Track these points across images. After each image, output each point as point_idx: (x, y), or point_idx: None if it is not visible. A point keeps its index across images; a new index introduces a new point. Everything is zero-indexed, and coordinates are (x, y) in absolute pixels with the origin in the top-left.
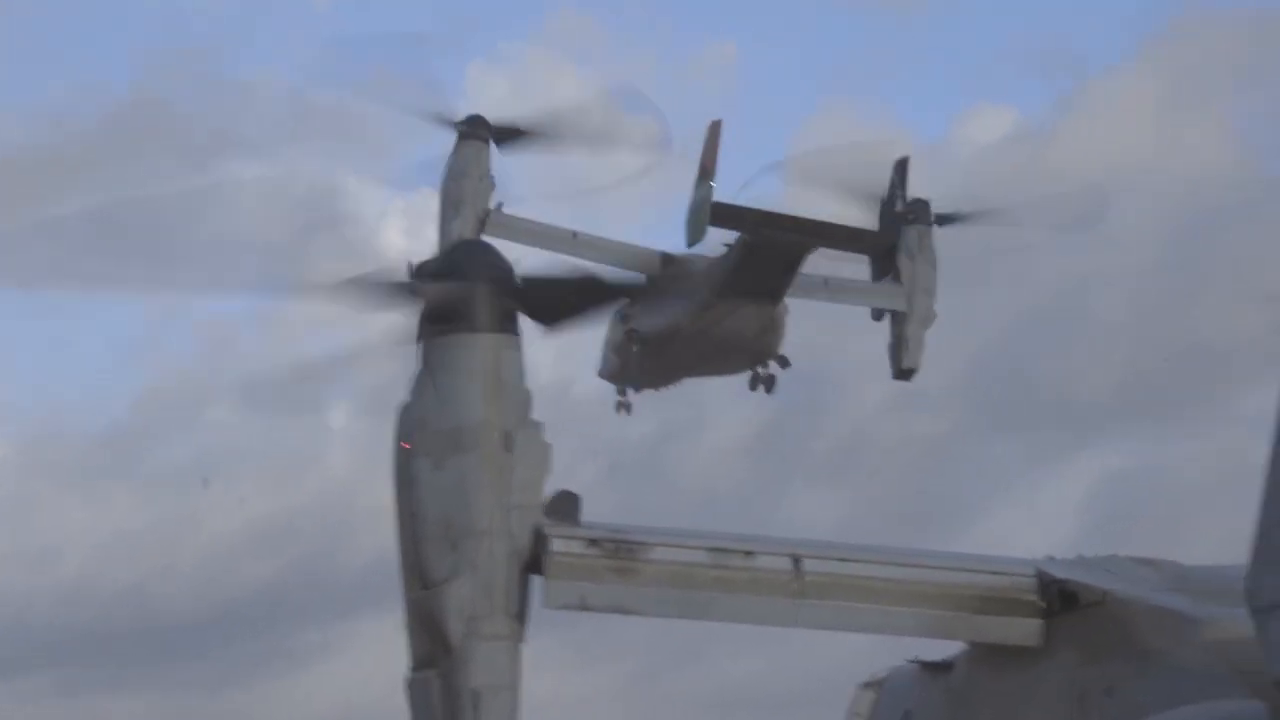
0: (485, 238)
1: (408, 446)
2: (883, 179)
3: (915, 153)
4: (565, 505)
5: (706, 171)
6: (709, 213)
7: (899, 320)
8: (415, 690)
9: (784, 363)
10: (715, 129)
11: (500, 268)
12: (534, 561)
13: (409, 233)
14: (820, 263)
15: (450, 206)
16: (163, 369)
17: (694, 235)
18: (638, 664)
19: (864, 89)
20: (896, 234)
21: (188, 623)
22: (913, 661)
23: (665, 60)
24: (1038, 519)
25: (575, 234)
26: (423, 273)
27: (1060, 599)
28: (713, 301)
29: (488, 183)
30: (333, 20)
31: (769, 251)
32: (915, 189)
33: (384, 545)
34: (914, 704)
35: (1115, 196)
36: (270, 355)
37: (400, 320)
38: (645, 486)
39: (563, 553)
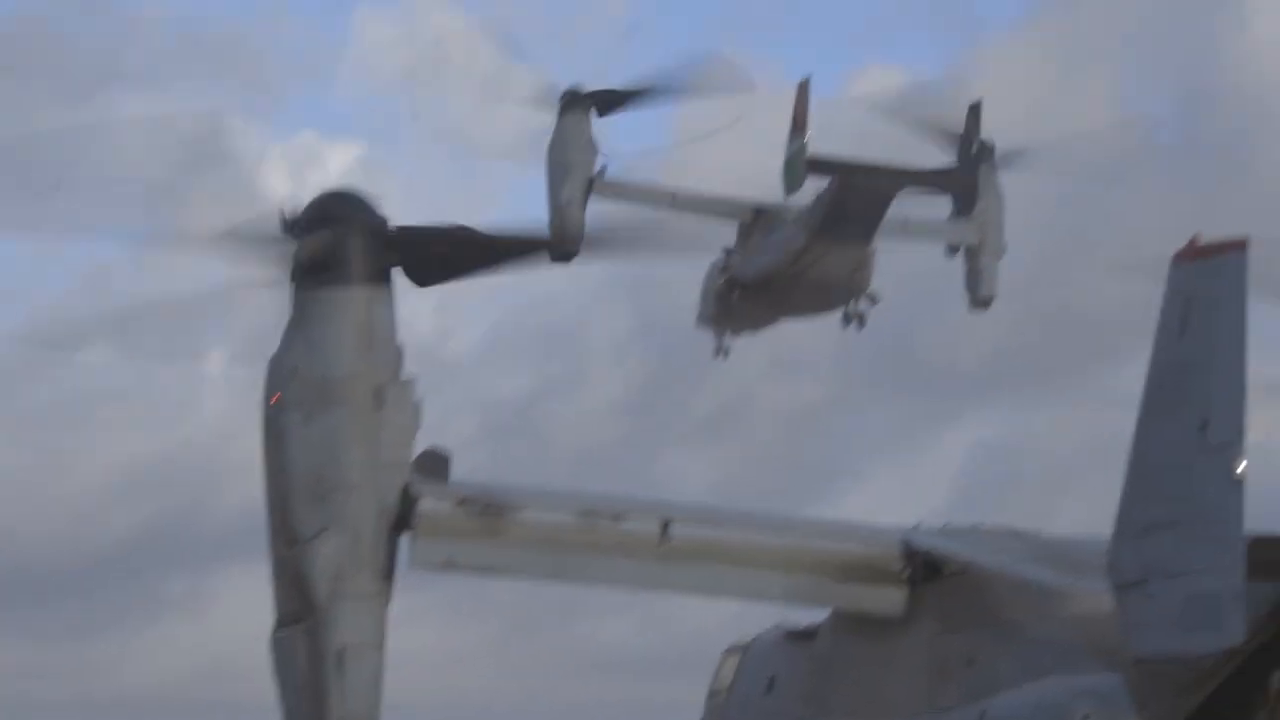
0: (595, 199)
1: (277, 399)
2: (954, 120)
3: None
4: (434, 463)
5: (799, 126)
6: (805, 164)
7: (972, 254)
8: (280, 647)
9: (873, 299)
10: (804, 88)
11: (372, 219)
12: (402, 520)
13: (293, 175)
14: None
15: (558, 175)
16: (38, 309)
17: (791, 185)
18: (508, 623)
19: (752, 41)
20: (976, 174)
21: (56, 568)
22: (778, 627)
23: (555, 11)
24: (913, 487)
25: (674, 194)
26: (295, 222)
27: (924, 568)
28: (809, 244)
29: (591, 150)
30: None
31: (861, 195)
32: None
33: (255, 496)
34: (778, 670)
35: (1002, 160)
36: (148, 297)
37: (274, 268)
38: (520, 445)
39: (431, 512)
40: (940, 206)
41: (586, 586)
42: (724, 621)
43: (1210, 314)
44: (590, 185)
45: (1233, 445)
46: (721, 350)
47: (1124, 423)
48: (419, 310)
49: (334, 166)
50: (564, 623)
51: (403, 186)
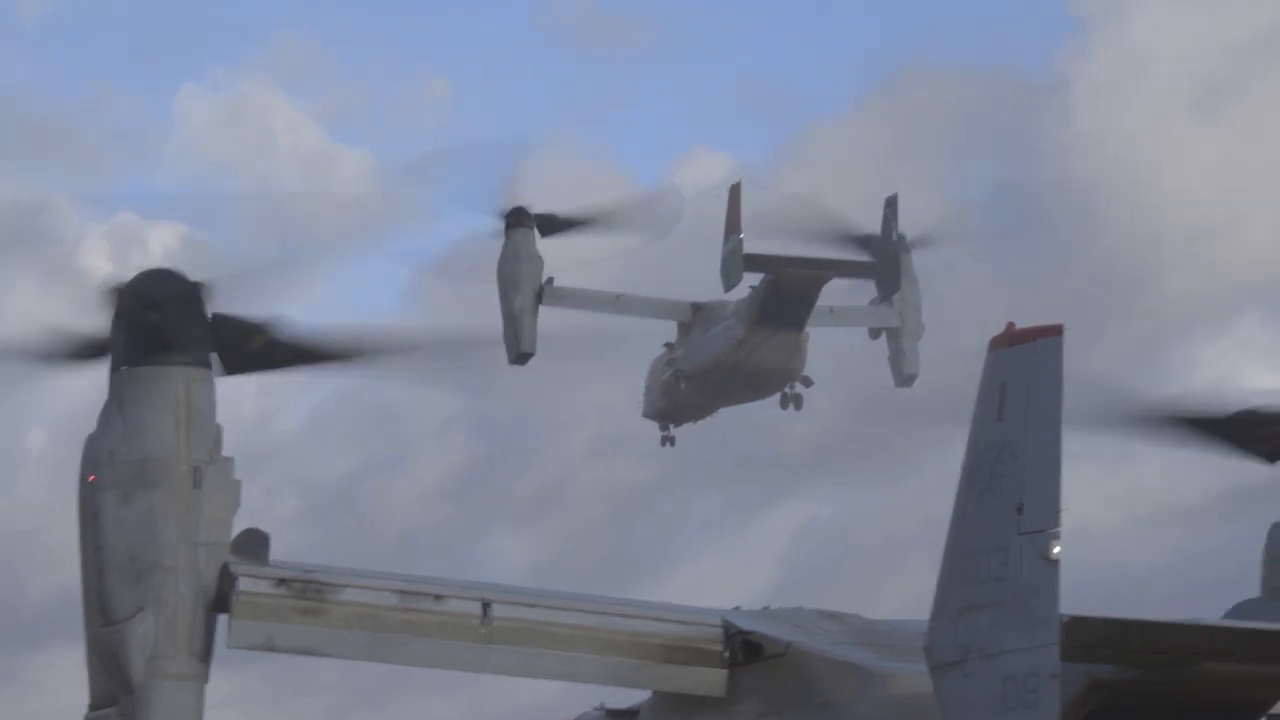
0: (544, 307)
1: (94, 479)
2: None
3: (634, 196)
4: (253, 544)
5: (733, 228)
6: (741, 261)
7: (894, 336)
8: None
9: (807, 382)
10: (735, 191)
11: (193, 300)
12: (220, 600)
13: (115, 256)
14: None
15: (509, 287)
16: None
17: (730, 281)
18: (329, 703)
19: (585, 126)
20: (897, 261)
21: None
22: (598, 709)
23: (381, 92)
24: (738, 569)
25: (619, 296)
26: (118, 299)
27: (745, 650)
28: (748, 334)
29: (537, 262)
30: (44, 36)
31: (793, 287)
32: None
33: (73, 576)
34: None
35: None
36: None
37: (92, 348)
38: (344, 525)
39: (250, 592)
40: (864, 293)
41: (407, 667)
42: (545, 702)
43: (1026, 398)
44: (539, 294)
45: (1048, 527)
46: (667, 439)
47: (947, 504)
48: (242, 390)
49: (155, 247)
50: (384, 703)
51: (226, 269)
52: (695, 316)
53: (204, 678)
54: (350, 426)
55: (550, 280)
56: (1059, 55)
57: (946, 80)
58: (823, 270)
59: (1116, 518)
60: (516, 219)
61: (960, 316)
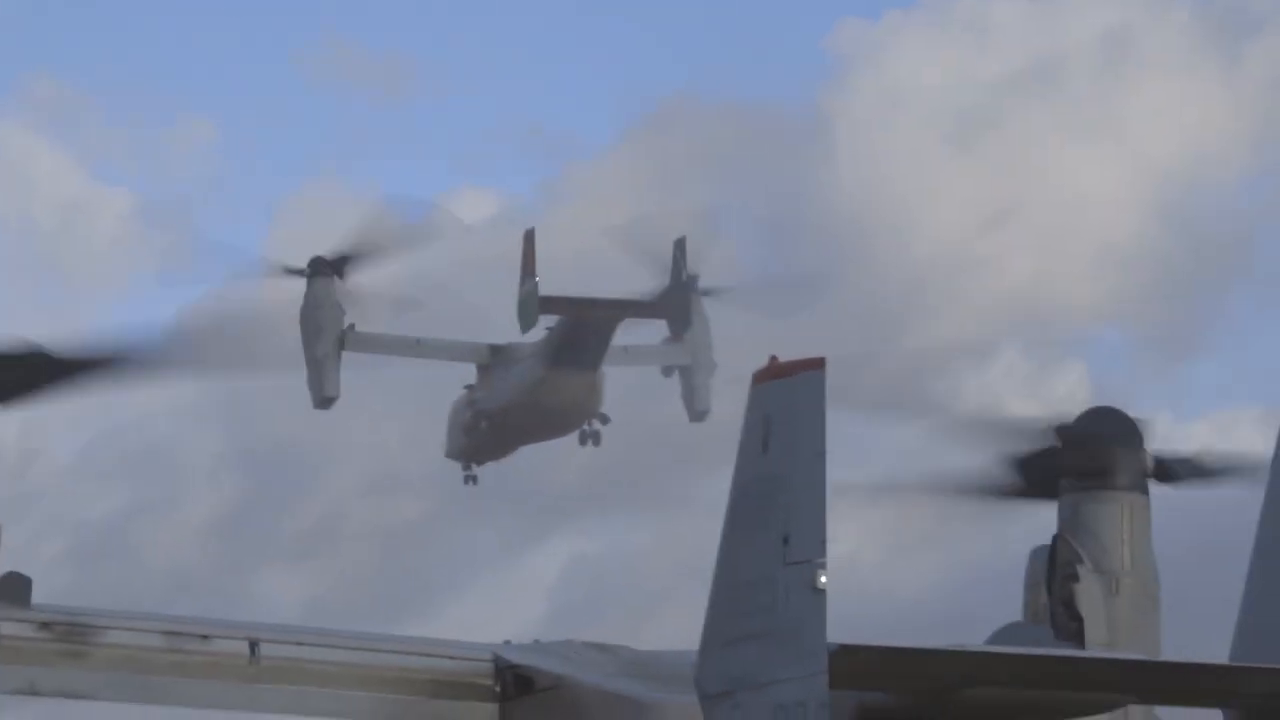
0: (345, 353)
1: None
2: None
3: (400, 233)
4: (15, 588)
5: (529, 271)
6: (537, 304)
7: (686, 373)
8: None
9: (604, 419)
10: (530, 236)
11: None
12: None
13: None
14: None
15: (312, 334)
16: None
17: (526, 323)
18: None
19: (347, 168)
20: (687, 300)
21: None
22: None
23: (143, 133)
24: (509, 604)
25: (418, 340)
26: None
27: (516, 684)
28: (545, 374)
29: (338, 309)
30: None
31: (587, 327)
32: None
33: None
34: None
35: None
36: None
37: None
38: (112, 566)
39: (11, 636)
40: (656, 333)
41: (174, 709)
42: None
43: (789, 431)
44: (342, 340)
45: (814, 558)
46: (470, 478)
47: (717, 537)
48: (4, 429)
49: None
50: None
51: None
52: (494, 358)
53: None
54: (116, 465)
55: (352, 326)
56: (820, 92)
57: (710, 115)
58: (616, 311)
59: (885, 545)
60: (316, 268)
61: (749, 353)
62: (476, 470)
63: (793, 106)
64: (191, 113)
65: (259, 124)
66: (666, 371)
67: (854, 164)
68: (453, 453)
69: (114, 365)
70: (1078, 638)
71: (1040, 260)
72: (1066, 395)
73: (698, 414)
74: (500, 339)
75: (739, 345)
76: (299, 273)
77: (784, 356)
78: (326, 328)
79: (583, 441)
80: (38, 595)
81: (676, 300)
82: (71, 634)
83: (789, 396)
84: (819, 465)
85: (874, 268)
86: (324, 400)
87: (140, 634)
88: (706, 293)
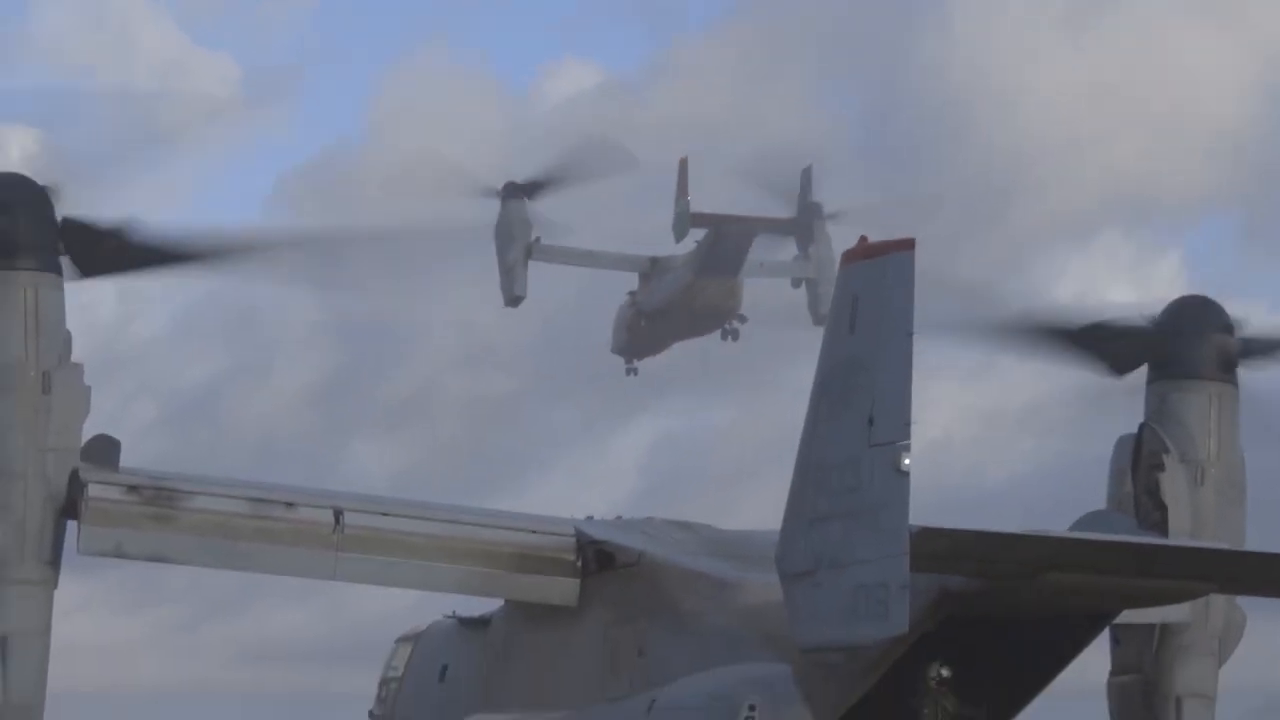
0: (533, 262)
1: None
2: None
3: (502, 104)
4: (104, 450)
5: (682, 192)
6: (689, 219)
7: (811, 284)
8: None
9: (743, 319)
10: (684, 164)
11: (40, 204)
12: (70, 506)
13: None
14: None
15: (504, 244)
16: None
17: (680, 234)
18: (179, 611)
19: (451, 36)
20: (811, 224)
21: None
22: (450, 616)
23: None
24: (600, 478)
25: (591, 251)
26: None
27: (596, 559)
28: (693, 280)
29: (527, 225)
30: None
31: (729, 240)
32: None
33: None
34: (451, 659)
35: (701, 155)
36: None
37: None
38: (203, 432)
39: (99, 498)
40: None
41: (258, 574)
42: (399, 610)
43: (877, 312)
44: (529, 251)
45: (898, 440)
46: (631, 370)
47: (802, 418)
48: (101, 294)
49: (13, 153)
50: (235, 611)
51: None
52: (653, 268)
53: (53, 583)
54: (212, 332)
55: (538, 239)
56: None
57: None
58: (752, 226)
59: (976, 429)
60: (509, 191)
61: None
62: (637, 364)
63: None
64: None
65: None
66: (795, 283)
67: (965, 42)
68: (618, 348)
69: (213, 257)
70: (1161, 526)
71: (1148, 144)
72: (1166, 282)
73: (821, 319)
74: (659, 251)
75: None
76: (496, 195)
77: (864, 235)
78: (516, 240)
79: (724, 338)
80: (130, 460)
81: (803, 223)
82: (158, 498)
83: (878, 277)
84: (906, 347)
85: (980, 145)
86: (513, 299)
87: (226, 500)
88: (830, 216)
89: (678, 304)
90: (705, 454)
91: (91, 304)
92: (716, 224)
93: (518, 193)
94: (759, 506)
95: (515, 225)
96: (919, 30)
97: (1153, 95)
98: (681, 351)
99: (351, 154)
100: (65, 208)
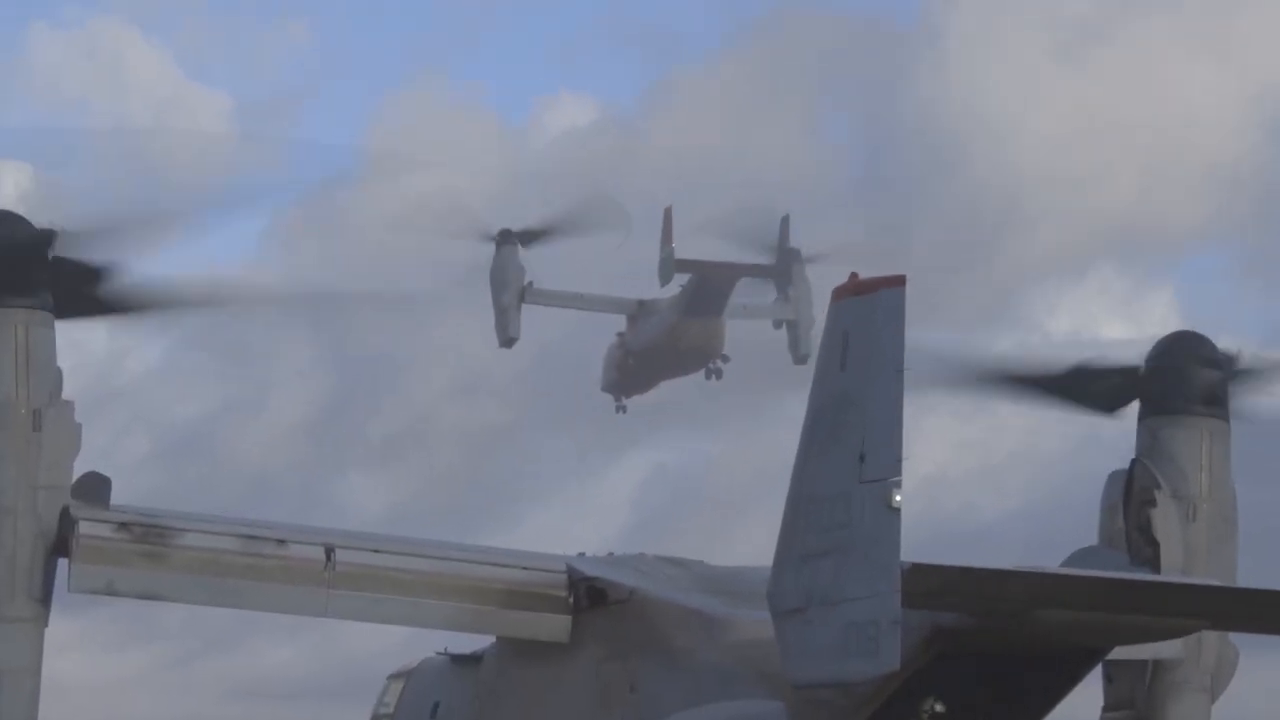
0: (526, 305)
1: None
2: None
3: (499, 138)
4: (95, 487)
5: (667, 239)
6: (673, 265)
7: (791, 326)
8: None
9: (725, 359)
10: (669, 213)
11: (32, 242)
12: (61, 543)
13: None
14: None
15: (499, 287)
16: None
17: (665, 279)
18: (170, 648)
19: (449, 67)
20: (789, 268)
21: None
22: (441, 653)
23: (237, 34)
24: (591, 513)
25: (581, 294)
26: None
27: (588, 595)
28: (678, 321)
29: (520, 269)
30: None
31: (712, 284)
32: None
33: None
34: (442, 695)
35: (695, 193)
36: None
37: None
38: (196, 468)
39: (90, 535)
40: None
41: (249, 612)
42: (391, 647)
43: (868, 348)
44: (522, 294)
45: (889, 476)
46: (620, 407)
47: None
48: (93, 331)
49: (7, 189)
50: (227, 649)
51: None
52: (640, 310)
53: (43, 621)
54: (205, 366)
55: (530, 283)
56: (927, 4)
57: (817, 25)
58: (734, 271)
59: (969, 466)
60: (504, 237)
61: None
62: (625, 402)
63: (899, 15)
64: (286, 16)
65: (354, 24)
66: (776, 324)
67: (958, 75)
68: (607, 387)
69: (203, 305)
70: (1153, 563)
71: (1142, 178)
72: (1160, 317)
73: (801, 358)
74: (645, 293)
75: None
76: (491, 239)
77: (855, 271)
78: (510, 284)
79: (707, 376)
80: (122, 496)
81: (782, 268)
82: (149, 535)
83: (868, 313)
84: (897, 383)
85: (974, 179)
86: (508, 340)
87: (218, 537)
88: (810, 260)
89: (664, 344)
90: (696, 488)
91: (84, 339)
92: (699, 269)
93: (512, 239)
94: (756, 541)
95: (509, 270)
96: (914, 64)
97: (1147, 128)
98: (669, 389)
99: (348, 187)
100: (58, 246)
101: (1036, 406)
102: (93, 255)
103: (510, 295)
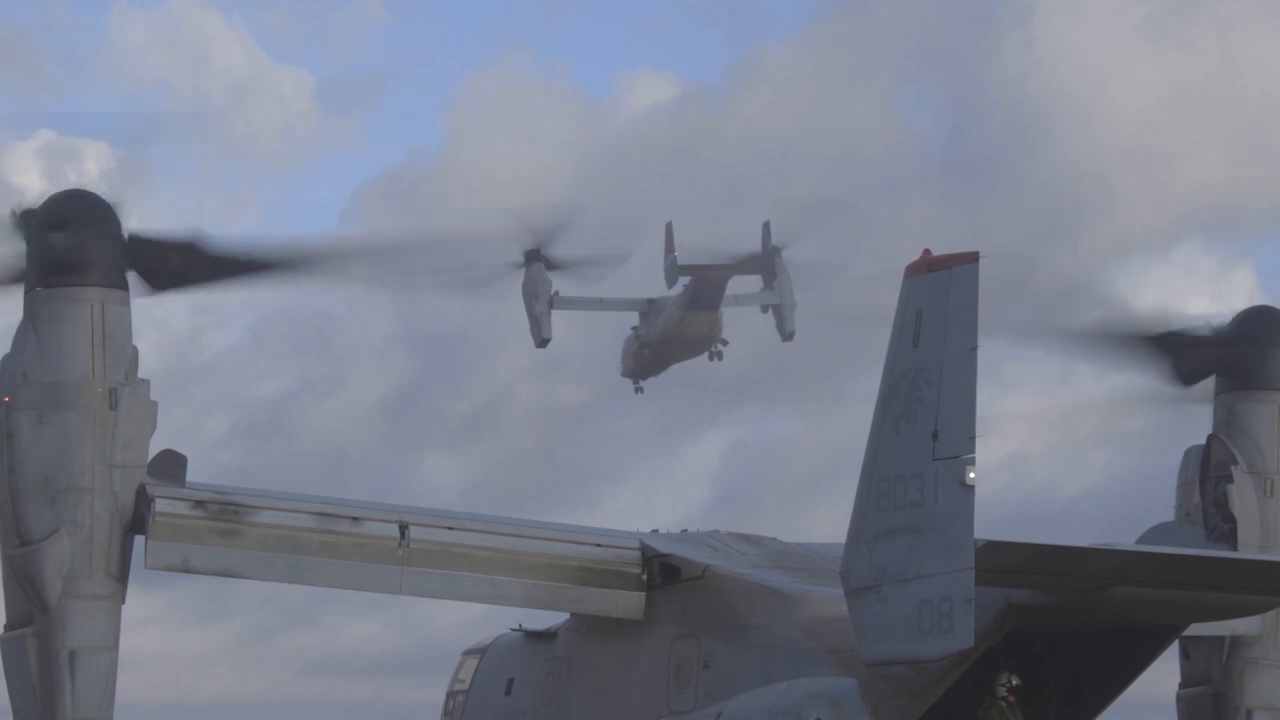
0: (554, 311)
1: (8, 400)
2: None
3: (581, 115)
4: (171, 465)
5: (670, 248)
6: (676, 270)
7: (776, 310)
8: (10, 650)
9: (724, 343)
10: (669, 228)
11: (107, 221)
12: (137, 521)
13: (46, 175)
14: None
15: (531, 299)
16: None
17: (670, 282)
18: (247, 624)
19: (531, 45)
20: (773, 262)
21: None
22: (516, 630)
23: (318, 14)
24: (668, 492)
25: (601, 299)
26: (30, 222)
27: (662, 573)
28: (683, 315)
29: (547, 282)
30: None
31: (708, 284)
32: None
33: None
34: (517, 671)
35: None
36: None
37: (6, 269)
38: (275, 445)
39: (166, 513)
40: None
41: (324, 589)
42: (465, 623)
43: (941, 325)
44: (551, 302)
45: (963, 453)
46: (639, 389)
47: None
48: (174, 307)
49: (90, 169)
50: (303, 624)
51: (162, 189)
52: (650, 307)
53: (120, 598)
54: (284, 345)
55: (557, 292)
56: None
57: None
58: (726, 271)
59: (1051, 441)
60: (531, 256)
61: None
62: (642, 384)
63: None
64: None
65: (433, 3)
66: (764, 309)
67: (1045, 50)
68: (626, 372)
69: (284, 267)
70: (1230, 539)
71: (1229, 154)
72: (1245, 293)
73: (787, 335)
74: (654, 294)
75: (810, 289)
76: (519, 263)
77: (927, 248)
78: (540, 294)
79: (710, 359)
80: (199, 474)
81: (766, 263)
82: (225, 513)
83: (941, 290)
84: (970, 360)
85: (1060, 157)
86: (542, 341)
87: (292, 514)
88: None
89: (672, 335)
90: (775, 464)
91: (165, 318)
92: (698, 272)
93: (537, 257)
94: (827, 518)
95: (539, 284)
96: (1001, 39)
97: (1235, 104)
98: (678, 370)
99: (429, 165)
100: (134, 223)
101: (1125, 364)
102: (170, 230)
103: (541, 304)
